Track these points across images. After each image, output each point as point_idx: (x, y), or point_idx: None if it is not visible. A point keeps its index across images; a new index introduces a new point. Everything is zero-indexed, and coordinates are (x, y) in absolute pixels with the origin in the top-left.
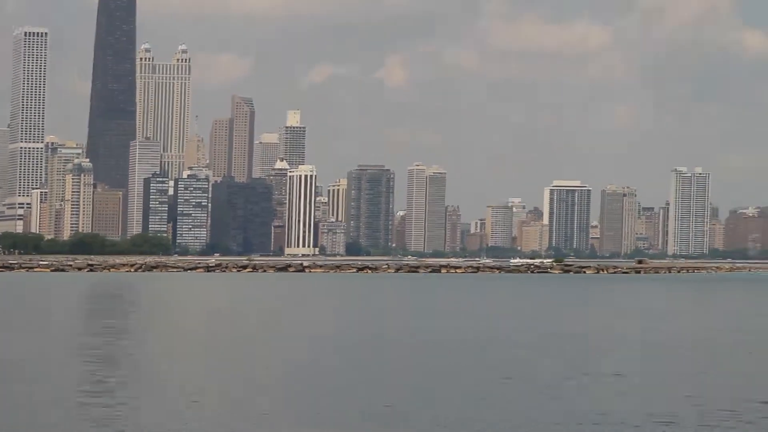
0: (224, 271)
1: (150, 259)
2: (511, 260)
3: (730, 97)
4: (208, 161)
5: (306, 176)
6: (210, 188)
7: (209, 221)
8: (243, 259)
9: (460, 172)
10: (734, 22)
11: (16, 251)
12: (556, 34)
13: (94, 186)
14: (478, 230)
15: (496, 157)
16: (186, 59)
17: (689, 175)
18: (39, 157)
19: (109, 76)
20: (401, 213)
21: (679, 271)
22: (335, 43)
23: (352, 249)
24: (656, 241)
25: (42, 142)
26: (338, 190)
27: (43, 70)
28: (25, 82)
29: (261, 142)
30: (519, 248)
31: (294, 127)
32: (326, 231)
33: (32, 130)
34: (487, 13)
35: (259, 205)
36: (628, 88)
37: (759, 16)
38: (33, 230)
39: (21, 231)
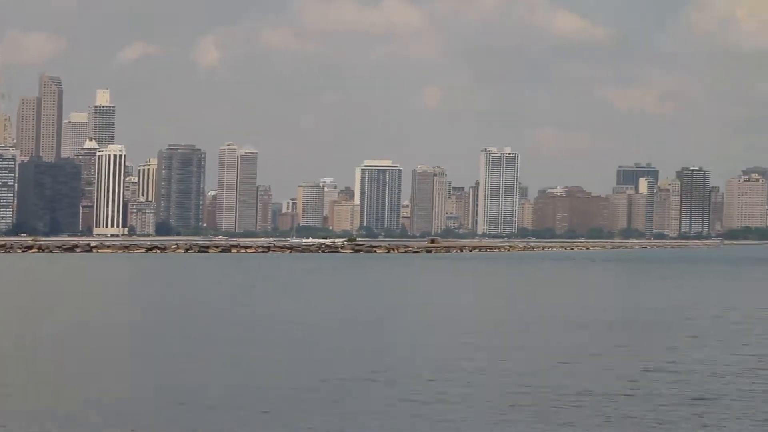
0: (8, 251)
1: None
2: (303, 240)
3: (539, 76)
4: (15, 141)
5: (115, 156)
6: (16, 168)
7: (15, 201)
8: (28, 239)
9: (272, 152)
10: (542, 2)
11: None
12: (371, 14)
13: None
14: (290, 210)
15: (307, 137)
16: None
17: (498, 155)
18: None
19: None
20: (212, 193)
21: (471, 251)
22: (147, 22)
23: (162, 229)
24: (466, 220)
25: None
26: (148, 170)
27: None
28: None
29: (70, 122)
30: (331, 228)
31: (103, 107)
32: (135, 211)
33: None
34: None
35: (68, 185)
36: (440, 68)
37: None
38: None
39: None
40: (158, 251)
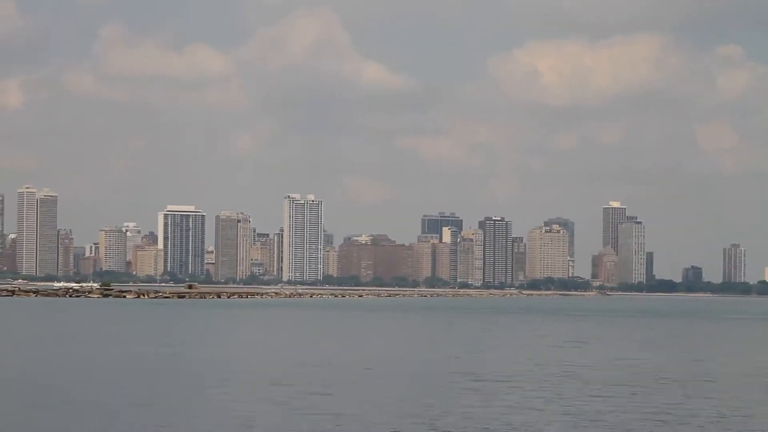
0: None
1: None
2: (55, 284)
3: (346, 126)
4: None
5: None
6: None
7: None
8: None
9: (73, 195)
10: (350, 52)
11: None
12: (176, 60)
13: None
14: (93, 254)
15: (111, 181)
16: None
17: (302, 201)
18: None
19: None
20: (12, 236)
21: (229, 297)
22: None
23: None
24: (271, 266)
25: None
26: None
27: None
28: None
29: None
30: (134, 272)
31: None
32: None
33: None
34: (104, 38)
35: None
36: (247, 115)
37: (374, 49)
38: None
39: None
40: None
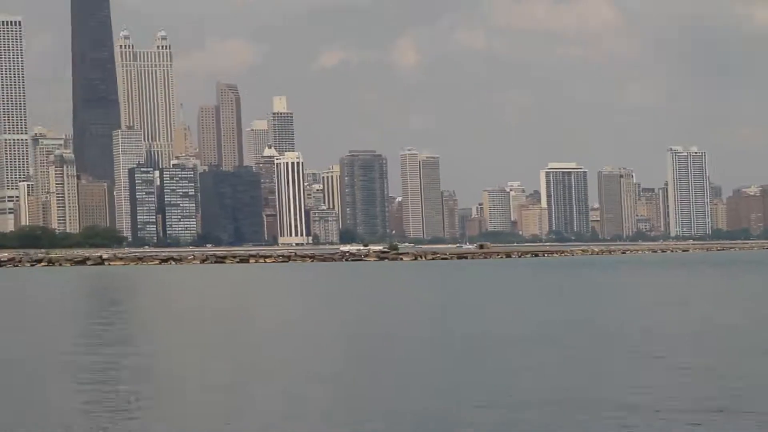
0: (17, 265)
1: None
2: (341, 247)
3: (729, 72)
4: (197, 150)
5: (293, 163)
6: (197, 177)
7: (199, 211)
8: (40, 253)
9: (456, 155)
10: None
11: None
12: (564, 12)
13: (78, 177)
14: (478, 215)
15: (494, 139)
16: (166, 46)
17: (685, 154)
18: (24, 149)
19: (88, 64)
20: (399, 199)
21: (520, 256)
22: (346, 28)
23: (346, 237)
24: (658, 222)
25: (26, 133)
26: (332, 176)
27: (20, 59)
28: (3, 73)
29: (252, 129)
30: (519, 232)
31: (282, 114)
32: (318, 219)
33: (15, 121)
34: None
35: (248, 194)
36: (634, 67)
37: None
38: (23, 223)
39: (12, 224)
40: (173, 262)
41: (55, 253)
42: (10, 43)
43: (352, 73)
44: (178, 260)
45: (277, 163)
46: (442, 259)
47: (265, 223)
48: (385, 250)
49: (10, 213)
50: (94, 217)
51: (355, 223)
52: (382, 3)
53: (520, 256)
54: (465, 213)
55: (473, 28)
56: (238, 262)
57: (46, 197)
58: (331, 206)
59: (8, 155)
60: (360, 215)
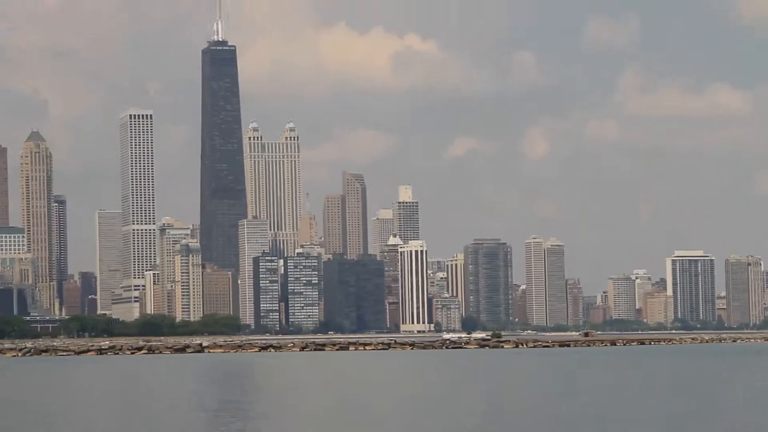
0: (117, 353)
1: (40, 342)
2: (444, 335)
3: None
4: (322, 238)
5: (417, 252)
6: (321, 266)
7: (322, 299)
8: (140, 341)
9: (579, 244)
10: None
11: (86, 334)
12: (695, 100)
13: (203, 266)
14: (602, 303)
15: (615, 229)
16: (294, 137)
17: None
18: (151, 239)
19: (217, 156)
20: (523, 287)
21: (625, 344)
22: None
23: (469, 324)
24: None
25: (153, 223)
26: (455, 264)
27: (150, 151)
28: (133, 165)
29: (378, 219)
30: (644, 320)
31: (407, 203)
32: (440, 307)
33: (143, 212)
34: (622, 86)
35: (371, 282)
36: (759, 155)
37: None
38: (148, 312)
39: (137, 313)
40: (273, 350)
41: (156, 341)
42: (142, 136)
43: (479, 162)
44: (278, 347)
45: (401, 252)
46: (544, 347)
47: (388, 310)
48: (487, 338)
49: (135, 302)
50: (217, 305)
51: (478, 311)
52: (511, 94)
53: (625, 344)
54: (590, 301)
55: (603, 117)
56: (337, 350)
57: (171, 286)
58: (454, 294)
59: (136, 245)
60: (483, 303)
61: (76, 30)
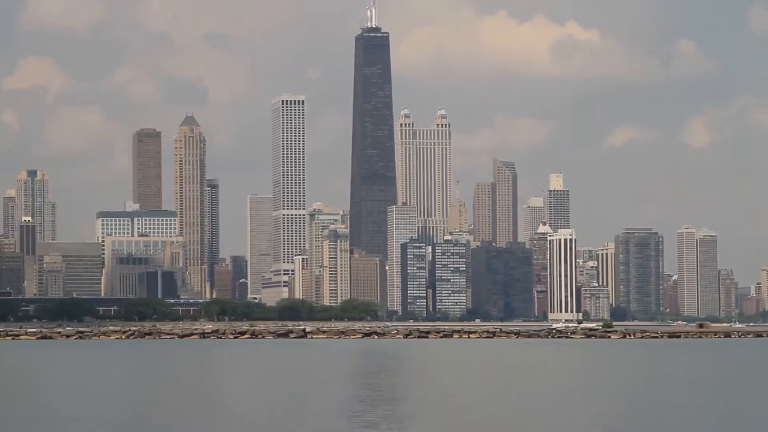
0: (220, 337)
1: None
2: (554, 324)
3: None
4: (471, 226)
5: (566, 240)
6: (470, 253)
7: (470, 287)
8: (243, 325)
9: (733, 235)
10: None
11: (226, 318)
12: None
13: (351, 252)
14: (755, 294)
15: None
16: (446, 124)
17: None
18: (301, 224)
19: (367, 142)
20: (674, 277)
21: (740, 336)
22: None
23: (617, 314)
24: None
25: (303, 208)
26: (606, 253)
27: (301, 137)
28: (285, 150)
29: (528, 206)
30: None
31: (558, 191)
32: (589, 296)
33: (294, 197)
34: None
35: (520, 270)
36: None
37: None
38: (297, 296)
39: (287, 297)
40: (376, 336)
41: (258, 326)
42: (294, 121)
43: (638, 151)
44: (381, 334)
45: (549, 240)
46: (652, 337)
47: (536, 299)
48: (595, 327)
49: (285, 286)
50: (364, 291)
51: (628, 301)
52: (672, 82)
53: (740, 336)
54: (743, 292)
55: (766, 104)
56: (441, 337)
57: (319, 271)
58: (604, 283)
59: (286, 230)
60: (633, 293)
61: (237, 17)
